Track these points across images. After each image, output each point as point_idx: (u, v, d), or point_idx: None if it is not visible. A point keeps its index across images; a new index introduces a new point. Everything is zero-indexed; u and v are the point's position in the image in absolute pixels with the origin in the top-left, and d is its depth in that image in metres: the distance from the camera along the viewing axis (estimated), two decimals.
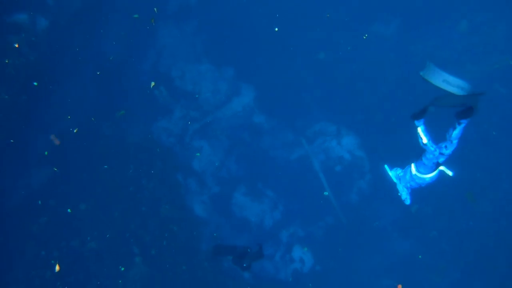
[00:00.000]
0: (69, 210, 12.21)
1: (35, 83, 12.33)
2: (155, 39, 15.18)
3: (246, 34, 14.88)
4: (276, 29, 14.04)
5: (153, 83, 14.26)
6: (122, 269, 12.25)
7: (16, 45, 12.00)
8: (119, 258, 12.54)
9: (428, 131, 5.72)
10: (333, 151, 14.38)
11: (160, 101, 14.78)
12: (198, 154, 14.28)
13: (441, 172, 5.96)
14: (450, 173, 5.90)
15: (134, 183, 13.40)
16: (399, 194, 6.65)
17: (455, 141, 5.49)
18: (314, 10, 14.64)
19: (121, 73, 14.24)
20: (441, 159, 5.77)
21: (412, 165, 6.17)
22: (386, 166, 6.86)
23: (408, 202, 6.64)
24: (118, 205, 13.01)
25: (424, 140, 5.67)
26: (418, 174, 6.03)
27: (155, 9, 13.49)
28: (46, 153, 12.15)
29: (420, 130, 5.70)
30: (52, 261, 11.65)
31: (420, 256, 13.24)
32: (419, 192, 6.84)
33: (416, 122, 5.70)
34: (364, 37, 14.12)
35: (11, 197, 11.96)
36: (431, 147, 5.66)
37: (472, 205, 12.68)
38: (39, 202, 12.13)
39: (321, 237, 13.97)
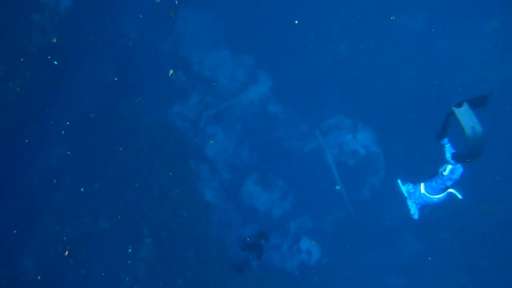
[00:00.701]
0: (82, 189, 12.52)
1: (55, 62, 12.52)
2: (176, 24, 15.08)
3: (267, 23, 14.59)
4: (296, 22, 13.67)
5: (171, 71, 14.24)
6: (130, 250, 12.57)
7: (54, 40, 12.22)
8: (129, 238, 12.87)
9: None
10: (348, 145, 14.15)
11: (177, 86, 14.81)
12: (211, 142, 14.31)
13: (450, 194, 6.13)
14: (459, 196, 6.08)
15: (147, 166, 13.61)
16: (408, 208, 6.84)
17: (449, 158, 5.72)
18: (338, 3, 14.19)
19: (140, 57, 14.28)
20: (449, 183, 5.94)
21: (422, 185, 6.40)
22: (399, 181, 7.06)
23: (416, 217, 6.80)
24: (131, 186, 13.27)
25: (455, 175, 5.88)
26: (427, 194, 6.28)
27: (176, 1, 13.36)
28: (63, 132, 12.41)
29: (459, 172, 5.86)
30: (65, 238, 12.06)
31: (429, 258, 13.02)
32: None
33: (458, 165, 5.79)
34: (392, 18, 13.59)
35: (29, 173, 12.34)
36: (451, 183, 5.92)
37: (488, 212, 12.31)
38: (54, 181, 12.47)
39: (329, 231, 13.92)
